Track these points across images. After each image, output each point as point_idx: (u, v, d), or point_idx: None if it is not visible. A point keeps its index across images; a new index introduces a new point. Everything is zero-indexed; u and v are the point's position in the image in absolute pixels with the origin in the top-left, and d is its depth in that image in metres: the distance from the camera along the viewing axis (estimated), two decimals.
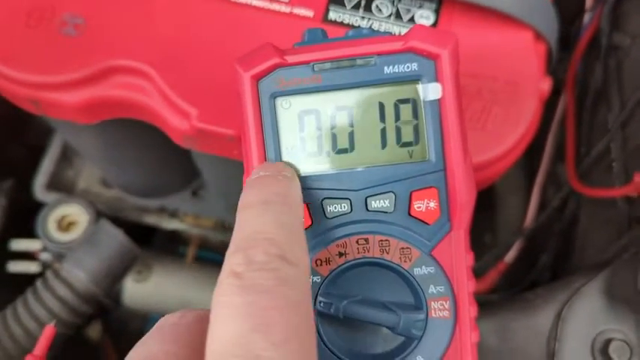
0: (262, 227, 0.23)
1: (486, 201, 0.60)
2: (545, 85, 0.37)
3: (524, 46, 0.38)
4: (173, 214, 0.60)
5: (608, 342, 0.35)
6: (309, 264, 0.24)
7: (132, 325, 0.72)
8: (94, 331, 0.73)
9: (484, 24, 0.38)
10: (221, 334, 0.20)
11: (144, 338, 0.24)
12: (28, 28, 0.37)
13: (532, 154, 0.57)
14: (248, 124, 0.28)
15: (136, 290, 0.61)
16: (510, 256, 0.51)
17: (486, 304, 0.40)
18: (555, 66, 0.45)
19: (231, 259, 0.22)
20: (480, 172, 0.36)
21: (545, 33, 0.39)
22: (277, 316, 0.20)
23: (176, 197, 0.60)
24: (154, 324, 0.24)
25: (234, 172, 0.44)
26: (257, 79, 0.28)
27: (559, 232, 0.51)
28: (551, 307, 0.37)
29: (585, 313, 0.36)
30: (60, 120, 0.40)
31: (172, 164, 0.55)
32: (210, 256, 0.66)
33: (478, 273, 0.52)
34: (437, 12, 0.39)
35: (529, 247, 0.52)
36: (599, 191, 0.44)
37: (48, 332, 0.35)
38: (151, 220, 0.59)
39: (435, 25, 0.38)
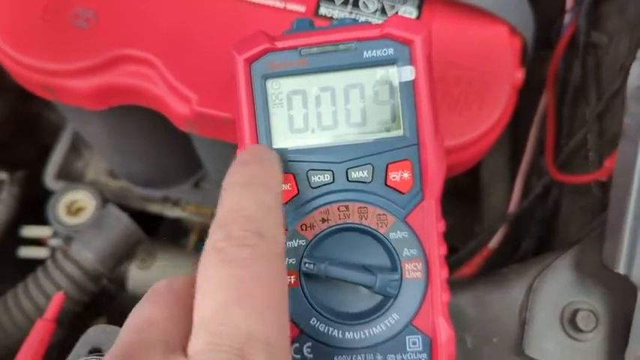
0: (241, 205, 0.25)
1: (475, 194, 0.63)
2: (519, 74, 0.40)
3: (500, 40, 0.41)
4: (176, 204, 0.63)
5: (575, 312, 0.38)
6: (284, 240, 0.26)
7: None
8: None
9: (463, 19, 0.41)
10: (207, 305, 0.23)
11: (137, 305, 0.26)
12: (44, 21, 0.41)
13: (517, 147, 0.60)
14: (241, 103, 0.31)
15: (139, 276, 0.64)
16: (494, 242, 0.54)
17: (466, 281, 0.43)
18: (532, 60, 0.48)
19: (213, 236, 0.24)
20: (460, 153, 0.39)
21: (520, 28, 0.42)
22: (255, 288, 0.23)
23: (179, 188, 0.63)
24: None
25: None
26: (250, 62, 0.31)
27: (541, 219, 0.54)
28: (524, 280, 0.40)
29: (555, 286, 0.39)
30: (70, 108, 0.43)
31: (175, 155, 0.58)
32: None
33: (464, 259, 0.55)
34: (419, 8, 0.42)
35: (512, 234, 0.55)
36: (573, 177, 0.47)
37: (57, 299, 0.38)
38: (154, 208, 0.63)
39: (417, 19, 0.41)
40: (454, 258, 0.55)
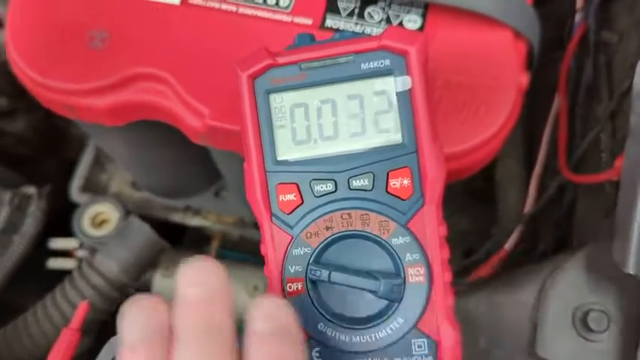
0: None
1: (490, 196, 0.63)
2: (524, 78, 0.41)
3: (504, 45, 0.41)
4: (197, 213, 0.65)
5: (587, 312, 0.38)
6: None
7: None
8: None
9: (467, 25, 0.42)
10: None
11: None
12: (62, 44, 0.42)
13: (531, 149, 0.60)
14: (246, 118, 0.32)
15: (163, 284, 0.66)
16: (510, 243, 0.54)
17: (478, 283, 0.44)
18: (544, 62, 0.48)
19: None
20: (469, 157, 0.40)
21: (525, 32, 0.42)
22: None
23: (199, 198, 0.65)
24: None
25: None
26: (253, 78, 0.32)
27: (556, 219, 0.54)
28: (536, 281, 0.40)
29: (566, 287, 0.39)
30: (92, 124, 0.45)
31: (195, 166, 0.60)
32: (229, 255, 0.71)
33: (480, 260, 0.55)
34: (423, 16, 0.42)
35: (528, 235, 0.55)
36: (585, 177, 0.47)
37: (82, 308, 0.40)
38: (176, 218, 0.64)
39: (421, 28, 0.42)
40: (471, 259, 0.55)
